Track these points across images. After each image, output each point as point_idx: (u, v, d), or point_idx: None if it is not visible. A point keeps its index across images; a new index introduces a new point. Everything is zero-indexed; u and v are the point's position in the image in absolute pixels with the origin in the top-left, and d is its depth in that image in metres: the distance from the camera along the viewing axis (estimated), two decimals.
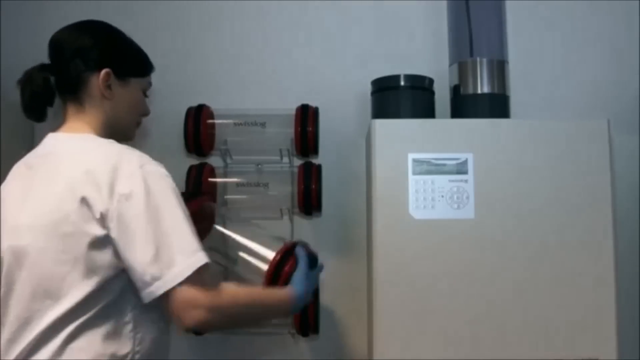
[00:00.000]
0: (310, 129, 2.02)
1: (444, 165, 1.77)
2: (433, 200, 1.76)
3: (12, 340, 1.15)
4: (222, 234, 1.59)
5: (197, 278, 1.12)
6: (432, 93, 2.01)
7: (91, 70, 1.26)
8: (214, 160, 2.13)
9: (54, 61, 1.28)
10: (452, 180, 1.76)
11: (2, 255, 1.19)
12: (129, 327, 1.17)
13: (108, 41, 1.30)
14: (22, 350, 1.14)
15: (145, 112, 1.39)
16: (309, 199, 1.99)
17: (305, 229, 2.15)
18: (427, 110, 1.97)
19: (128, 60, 1.32)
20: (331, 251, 2.14)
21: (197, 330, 1.36)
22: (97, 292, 1.14)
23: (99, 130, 1.27)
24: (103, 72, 1.26)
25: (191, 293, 1.12)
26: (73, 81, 1.26)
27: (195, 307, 1.12)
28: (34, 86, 1.25)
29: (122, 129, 1.32)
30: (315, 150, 2.05)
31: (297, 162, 2.11)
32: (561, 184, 1.76)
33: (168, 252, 1.11)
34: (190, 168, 2.06)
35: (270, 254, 1.44)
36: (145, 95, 1.38)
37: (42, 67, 1.27)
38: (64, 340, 1.13)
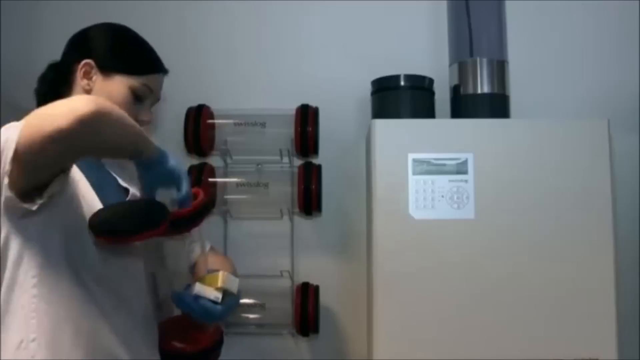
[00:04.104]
0: (310, 129, 2.02)
1: (444, 165, 1.77)
2: (433, 201, 1.76)
3: None
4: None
5: None
6: (432, 93, 2.01)
7: (78, 61, 1.27)
8: (214, 160, 2.13)
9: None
10: (452, 180, 1.76)
11: None
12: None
13: (99, 34, 1.31)
14: None
15: (139, 118, 1.29)
16: (309, 199, 1.99)
17: (305, 229, 2.15)
18: (427, 110, 1.97)
19: (115, 55, 1.29)
20: (331, 251, 2.14)
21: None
22: None
23: None
24: (83, 61, 1.26)
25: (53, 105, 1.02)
26: (64, 71, 1.28)
27: (73, 101, 1.02)
28: (44, 80, 1.30)
29: None
30: (315, 150, 2.05)
31: (297, 162, 2.11)
32: (561, 184, 1.76)
33: None
34: (190, 168, 2.06)
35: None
36: (139, 99, 1.30)
37: (52, 63, 1.31)
38: None
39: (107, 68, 1.27)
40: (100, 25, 1.34)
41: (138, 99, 1.30)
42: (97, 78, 1.27)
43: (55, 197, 1.09)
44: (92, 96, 1.12)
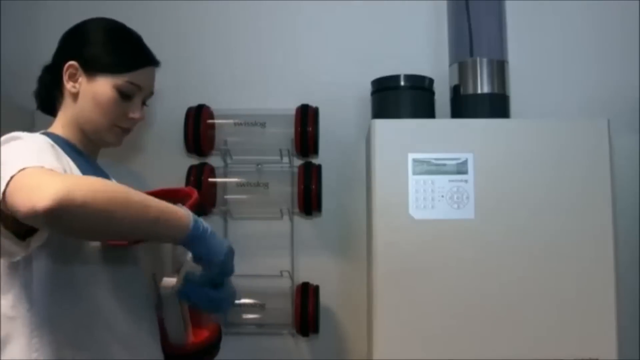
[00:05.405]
0: (310, 129, 2.02)
1: (444, 165, 1.77)
2: (433, 200, 1.76)
3: None
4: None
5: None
6: (432, 93, 2.01)
7: (65, 63, 1.23)
8: (214, 160, 2.14)
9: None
10: (452, 180, 1.76)
11: None
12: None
13: (81, 33, 1.27)
14: None
15: (129, 115, 1.25)
16: (309, 199, 1.99)
17: (305, 229, 2.15)
18: (427, 110, 1.98)
19: (96, 55, 1.24)
20: (331, 251, 2.14)
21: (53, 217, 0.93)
22: None
23: (68, 129, 1.24)
24: (66, 64, 1.23)
25: (34, 175, 0.96)
26: (55, 73, 1.26)
27: (43, 186, 0.93)
28: (41, 83, 1.29)
29: (93, 131, 1.24)
30: (315, 150, 2.05)
31: (297, 162, 2.11)
32: (561, 184, 1.76)
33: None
34: (190, 168, 2.06)
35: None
36: (127, 97, 1.24)
37: (45, 65, 1.29)
38: None
39: (90, 69, 1.23)
40: (83, 24, 1.29)
41: (126, 97, 1.24)
42: (83, 80, 1.23)
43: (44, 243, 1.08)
44: (73, 181, 0.98)
